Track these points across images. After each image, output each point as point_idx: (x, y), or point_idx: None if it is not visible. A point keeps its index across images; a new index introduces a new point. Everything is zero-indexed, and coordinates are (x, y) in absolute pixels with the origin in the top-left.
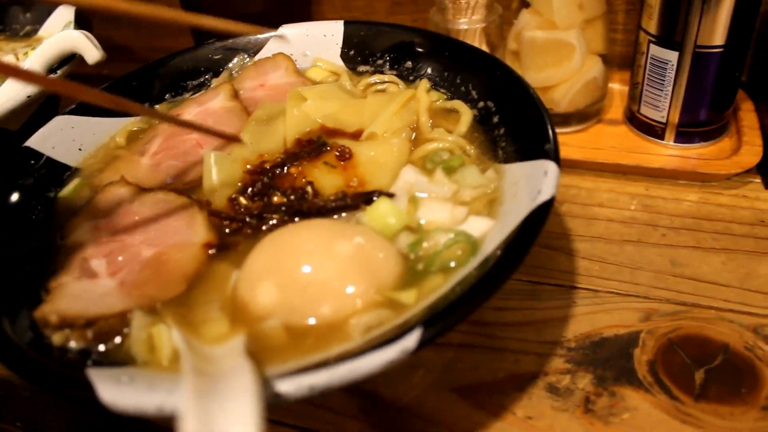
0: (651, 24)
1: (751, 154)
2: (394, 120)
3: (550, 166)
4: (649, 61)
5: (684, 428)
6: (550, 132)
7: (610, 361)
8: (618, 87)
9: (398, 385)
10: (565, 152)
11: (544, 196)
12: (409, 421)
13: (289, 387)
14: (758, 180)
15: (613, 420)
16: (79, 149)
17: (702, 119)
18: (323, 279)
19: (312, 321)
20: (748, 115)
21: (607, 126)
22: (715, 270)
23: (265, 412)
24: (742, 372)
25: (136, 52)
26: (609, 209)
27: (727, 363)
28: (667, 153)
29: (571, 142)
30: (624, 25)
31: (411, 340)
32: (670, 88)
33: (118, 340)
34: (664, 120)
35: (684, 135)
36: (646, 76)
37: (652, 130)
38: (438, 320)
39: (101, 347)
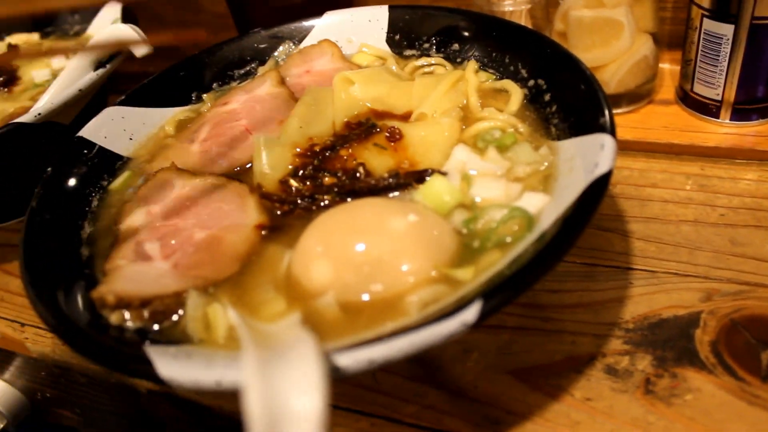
0: None
1: None
2: (443, 101)
3: (606, 139)
4: (702, 36)
5: (751, 410)
6: (604, 105)
7: (670, 342)
8: (668, 67)
9: (453, 368)
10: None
11: (602, 169)
12: (465, 403)
13: (348, 360)
14: None
15: (675, 401)
16: (130, 139)
17: (759, 95)
18: (378, 255)
19: (367, 297)
20: None
21: (658, 106)
22: None
23: (328, 383)
24: None
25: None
26: (663, 190)
27: None
28: (723, 131)
29: (621, 123)
30: (674, 2)
31: (471, 313)
32: (725, 64)
33: (174, 319)
34: (719, 97)
35: (740, 112)
36: (700, 52)
37: (706, 109)
38: (498, 292)
39: (157, 326)
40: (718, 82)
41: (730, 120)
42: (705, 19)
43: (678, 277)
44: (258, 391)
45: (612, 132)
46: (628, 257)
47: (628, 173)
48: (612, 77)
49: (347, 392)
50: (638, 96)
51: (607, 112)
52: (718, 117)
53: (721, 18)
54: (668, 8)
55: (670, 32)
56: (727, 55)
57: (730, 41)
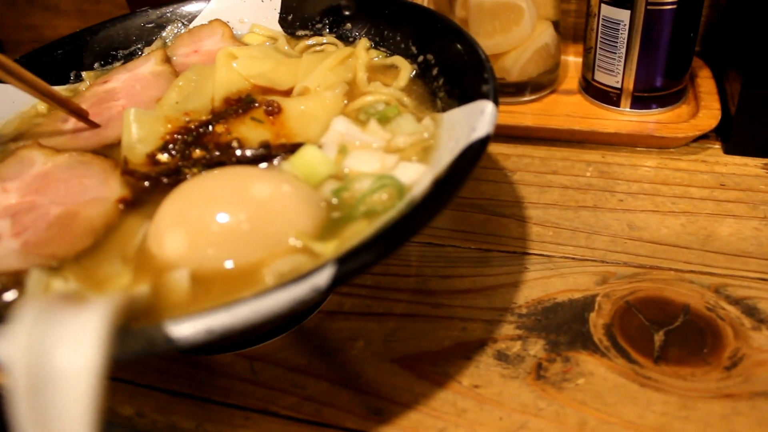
0: None
1: (709, 118)
2: (329, 75)
3: (487, 105)
4: (601, 22)
5: (643, 391)
6: (487, 73)
7: (563, 326)
8: (573, 59)
9: (334, 358)
10: (517, 120)
11: (479, 133)
12: (346, 394)
13: (185, 330)
14: (717, 146)
15: (567, 386)
16: None
17: (658, 84)
18: (235, 224)
19: (224, 267)
20: (705, 81)
21: (561, 96)
22: (675, 233)
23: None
24: (704, 332)
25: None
26: (564, 176)
27: (687, 324)
28: (624, 119)
29: (524, 110)
30: None
31: (322, 277)
32: (623, 51)
33: (10, 297)
34: (618, 85)
35: (640, 101)
36: (599, 39)
37: (607, 97)
38: (353, 256)
39: None
40: (618, 69)
41: (630, 108)
42: (603, 5)
43: (575, 262)
44: (22, 342)
45: (494, 99)
46: (524, 242)
47: (529, 161)
48: (514, 64)
49: (222, 385)
50: (541, 85)
51: (489, 79)
52: (618, 105)
53: (618, 3)
54: (573, 0)
55: (575, 25)
56: (625, 41)
57: (627, 27)
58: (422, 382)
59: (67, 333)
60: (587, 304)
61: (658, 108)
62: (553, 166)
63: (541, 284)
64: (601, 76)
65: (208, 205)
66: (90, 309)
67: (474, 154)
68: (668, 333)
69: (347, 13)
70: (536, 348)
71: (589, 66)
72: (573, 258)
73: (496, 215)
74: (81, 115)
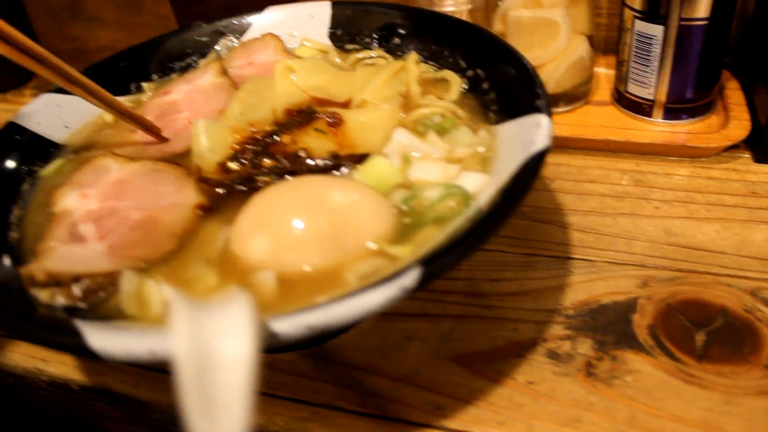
0: (636, 0)
1: (740, 128)
2: (384, 88)
3: (542, 118)
4: (634, 37)
5: (687, 388)
6: (539, 88)
7: (609, 327)
8: (604, 71)
9: (394, 357)
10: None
11: (538, 146)
12: (408, 390)
13: (286, 326)
14: (747, 155)
15: (615, 383)
16: (66, 126)
17: (689, 96)
18: (317, 229)
19: (306, 270)
20: (734, 93)
21: (594, 107)
22: (710, 238)
23: (263, 343)
24: (743, 333)
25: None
26: (600, 185)
27: (727, 325)
28: (656, 129)
29: (559, 121)
30: (608, 9)
31: (409, 278)
32: (656, 64)
33: (105, 296)
34: (651, 97)
35: (672, 112)
36: (633, 53)
37: (639, 108)
38: (437, 259)
39: (88, 305)
40: (650, 81)
41: (663, 119)
42: (637, 21)
43: (616, 266)
44: (185, 334)
45: (548, 112)
46: (566, 247)
47: (566, 169)
48: (549, 77)
49: (288, 382)
50: (575, 97)
51: (542, 94)
52: (651, 116)
53: (651, 19)
54: (603, 14)
55: (606, 38)
56: (658, 55)
57: (660, 42)
58: (479, 379)
59: (223, 324)
60: (630, 306)
61: (688, 118)
62: (589, 174)
63: (585, 287)
64: (634, 88)
65: (291, 211)
66: (236, 302)
67: (535, 166)
68: (709, 334)
69: (402, 31)
70: (585, 347)
71: (622, 78)
72: (614, 262)
73: (538, 221)
74: (152, 130)
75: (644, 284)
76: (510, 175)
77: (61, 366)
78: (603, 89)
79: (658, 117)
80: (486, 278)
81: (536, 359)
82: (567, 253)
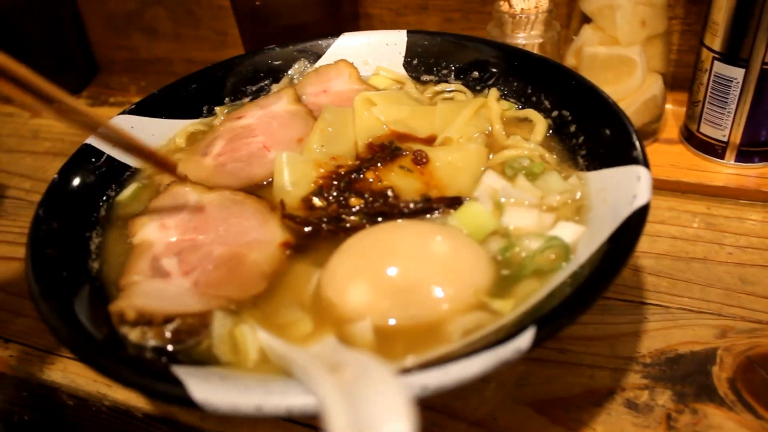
0: (715, 41)
1: None
2: (468, 126)
3: (642, 171)
4: (712, 78)
5: None
6: (636, 138)
7: (688, 378)
8: (672, 107)
9: (470, 399)
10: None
11: (641, 201)
12: None
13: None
14: None
15: None
16: None
17: (762, 139)
18: (417, 279)
19: (405, 323)
20: None
21: (663, 145)
22: None
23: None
24: None
25: (175, 63)
26: (672, 227)
27: None
28: (728, 172)
29: None
30: (678, 46)
31: (524, 340)
32: (733, 107)
33: (197, 340)
34: (725, 139)
35: (744, 154)
36: (709, 94)
37: (711, 149)
38: (552, 319)
39: (179, 347)
40: (726, 123)
41: (735, 161)
42: (716, 62)
43: (692, 313)
44: (344, 417)
45: (646, 164)
46: (641, 292)
47: None
48: None
49: None
50: (645, 134)
51: (638, 145)
52: (723, 158)
53: (731, 62)
54: (674, 51)
55: (674, 74)
56: (736, 98)
57: (739, 84)
58: (557, 427)
59: (383, 404)
60: (709, 357)
61: (760, 162)
62: (660, 216)
63: (661, 335)
64: (707, 129)
65: (392, 259)
66: (385, 377)
67: (639, 221)
68: None
69: (485, 66)
70: (664, 398)
71: (694, 118)
72: (690, 309)
73: None
74: (168, 168)
75: (722, 335)
76: (613, 231)
77: (125, 392)
78: (671, 126)
79: (730, 159)
80: None
81: (615, 408)
82: (641, 298)
